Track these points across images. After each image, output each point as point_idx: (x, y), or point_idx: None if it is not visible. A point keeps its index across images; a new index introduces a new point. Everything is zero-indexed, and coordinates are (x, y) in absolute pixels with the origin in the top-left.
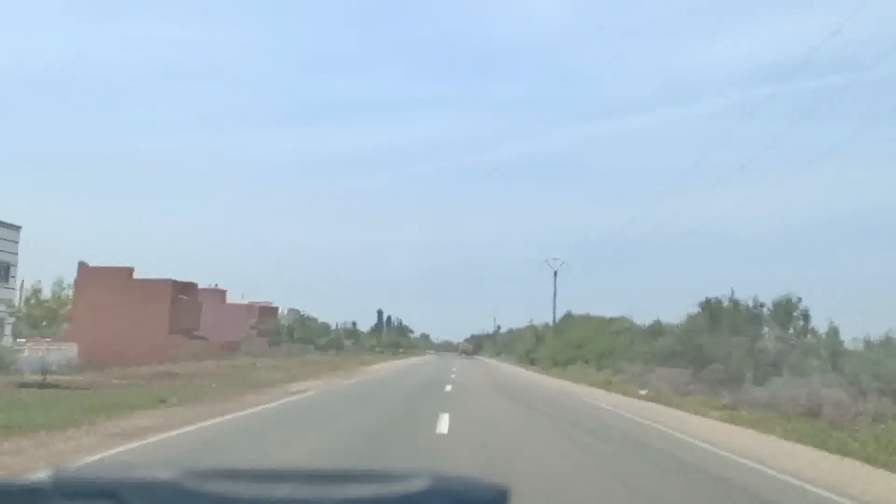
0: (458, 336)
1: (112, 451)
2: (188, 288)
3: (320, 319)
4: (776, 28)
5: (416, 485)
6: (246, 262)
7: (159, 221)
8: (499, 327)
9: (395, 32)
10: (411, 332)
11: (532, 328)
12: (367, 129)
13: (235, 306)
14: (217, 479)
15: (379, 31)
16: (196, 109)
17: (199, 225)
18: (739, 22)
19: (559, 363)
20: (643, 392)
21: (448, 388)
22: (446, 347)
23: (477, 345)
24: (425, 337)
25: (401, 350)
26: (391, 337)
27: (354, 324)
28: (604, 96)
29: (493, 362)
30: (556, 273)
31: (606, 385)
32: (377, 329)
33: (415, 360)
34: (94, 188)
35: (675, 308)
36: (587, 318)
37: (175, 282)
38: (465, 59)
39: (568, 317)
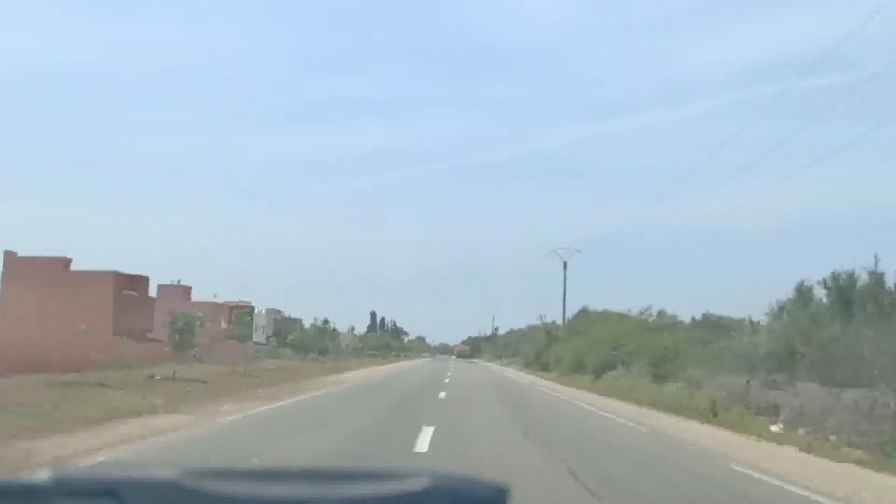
0: (454, 338)
1: None
2: (137, 282)
3: (317, 322)
4: (776, 28)
5: (416, 484)
6: (241, 264)
7: (157, 222)
8: (497, 329)
9: (395, 32)
10: (406, 334)
11: (543, 326)
12: (367, 129)
13: (202, 305)
14: (216, 478)
15: (379, 31)
16: (195, 109)
17: (194, 226)
18: (740, 22)
19: (583, 370)
20: (775, 429)
21: (426, 436)
22: (443, 350)
23: (474, 347)
24: (421, 339)
25: (393, 352)
26: (381, 338)
27: (327, 321)
28: (603, 96)
29: (494, 367)
30: (565, 264)
31: (711, 415)
32: (371, 331)
33: (406, 364)
34: (91, 189)
35: (677, 307)
36: (610, 314)
37: (120, 274)
38: (465, 58)
39: (583, 313)
